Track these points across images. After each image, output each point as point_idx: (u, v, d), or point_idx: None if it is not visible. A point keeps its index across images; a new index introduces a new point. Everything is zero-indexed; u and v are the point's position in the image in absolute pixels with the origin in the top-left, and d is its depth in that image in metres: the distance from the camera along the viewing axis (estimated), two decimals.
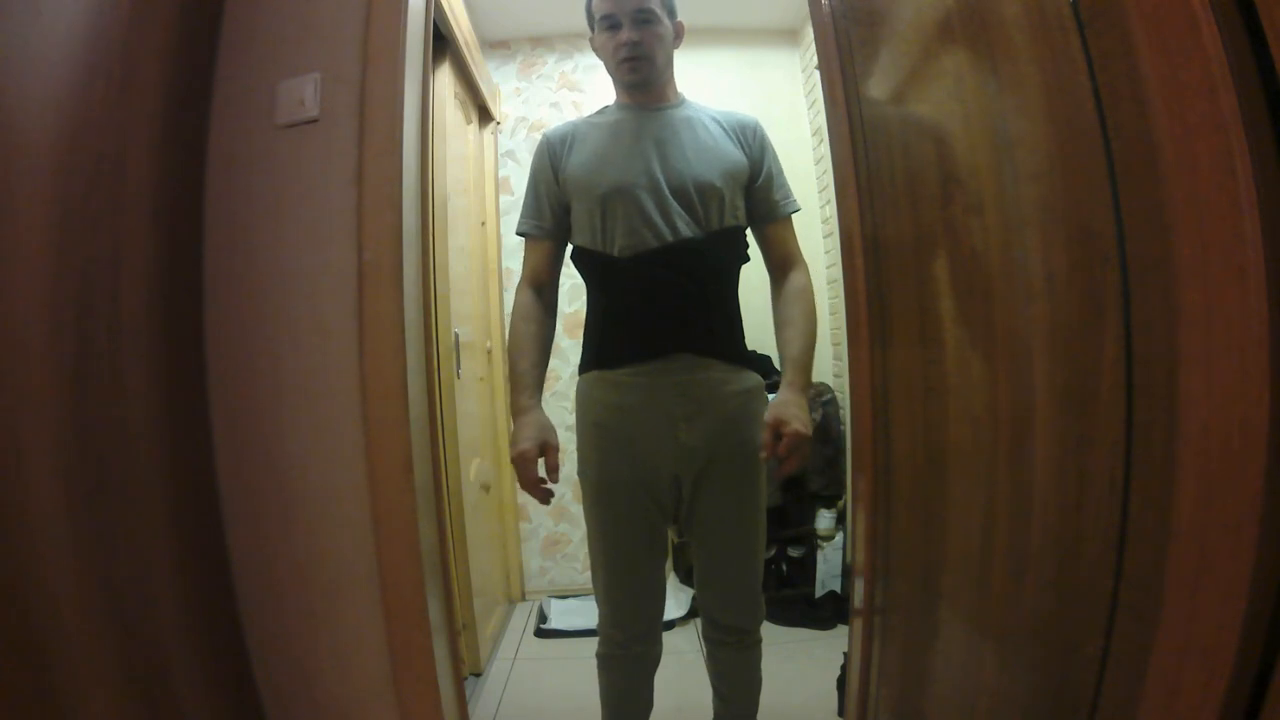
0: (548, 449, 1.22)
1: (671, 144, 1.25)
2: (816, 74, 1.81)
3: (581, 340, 1.34)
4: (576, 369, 1.34)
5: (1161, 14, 0.60)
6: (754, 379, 1.29)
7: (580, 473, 1.30)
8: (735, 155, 1.28)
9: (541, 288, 1.32)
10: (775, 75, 2.81)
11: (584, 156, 1.27)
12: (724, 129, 1.30)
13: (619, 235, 1.22)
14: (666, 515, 1.28)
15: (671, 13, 1.29)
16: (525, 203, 1.33)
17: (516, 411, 1.25)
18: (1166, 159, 0.61)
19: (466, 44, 2.17)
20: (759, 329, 1.43)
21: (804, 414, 1.20)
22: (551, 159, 1.30)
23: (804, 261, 1.34)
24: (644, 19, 1.23)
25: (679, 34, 1.31)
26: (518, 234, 1.34)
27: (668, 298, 1.21)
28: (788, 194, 1.34)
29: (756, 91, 2.78)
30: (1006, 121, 0.86)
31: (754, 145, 1.31)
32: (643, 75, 1.26)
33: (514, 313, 1.32)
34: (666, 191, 1.22)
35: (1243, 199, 0.55)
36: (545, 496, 1.23)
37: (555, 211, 1.30)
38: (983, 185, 0.93)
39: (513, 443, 1.23)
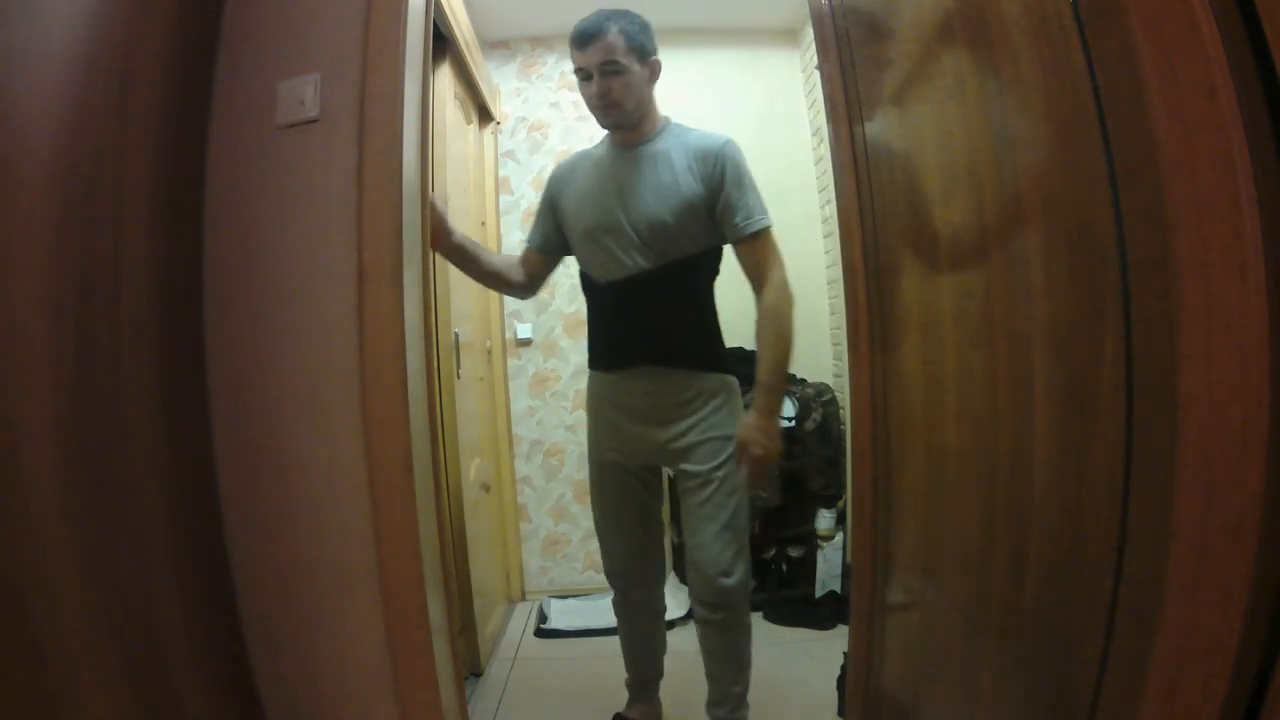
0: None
1: (634, 184, 1.40)
2: (816, 74, 1.81)
3: (583, 340, 1.50)
4: (576, 369, 1.42)
5: (1161, 14, 0.60)
6: (717, 379, 1.43)
7: (588, 451, 1.57)
8: (689, 190, 1.37)
9: (526, 264, 1.59)
10: (775, 75, 2.81)
11: (573, 195, 1.49)
12: (688, 160, 1.39)
13: (594, 265, 1.45)
14: (653, 492, 1.54)
15: (644, 55, 1.37)
16: (535, 219, 1.60)
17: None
18: (1166, 159, 0.61)
19: (466, 44, 2.17)
20: (743, 322, 1.53)
21: (766, 437, 1.35)
22: (554, 190, 1.54)
23: (776, 275, 1.38)
24: (611, 70, 1.34)
25: (655, 72, 1.42)
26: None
27: (627, 321, 1.42)
28: (749, 214, 1.37)
29: (756, 91, 2.77)
30: (1006, 121, 0.86)
31: (714, 173, 1.38)
32: (613, 120, 1.41)
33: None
34: (628, 229, 1.39)
35: (1243, 199, 0.55)
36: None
37: (549, 234, 1.56)
38: (983, 185, 0.93)
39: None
